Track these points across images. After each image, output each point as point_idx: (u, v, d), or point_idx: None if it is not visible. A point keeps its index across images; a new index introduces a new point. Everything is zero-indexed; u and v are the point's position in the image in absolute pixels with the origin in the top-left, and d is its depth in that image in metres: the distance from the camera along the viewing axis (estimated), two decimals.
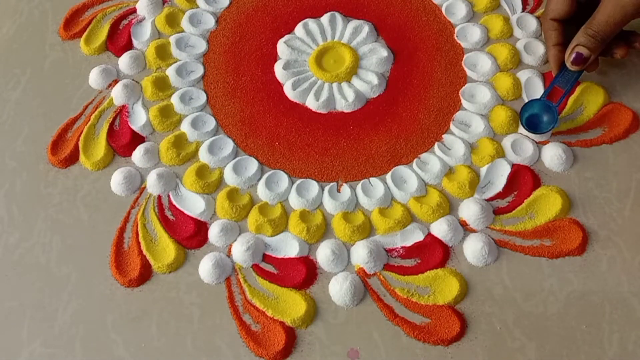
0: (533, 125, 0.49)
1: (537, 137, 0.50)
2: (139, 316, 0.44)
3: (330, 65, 0.55)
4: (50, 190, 0.50)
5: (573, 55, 0.47)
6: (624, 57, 0.49)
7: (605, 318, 0.43)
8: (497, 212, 0.47)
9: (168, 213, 0.48)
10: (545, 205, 0.47)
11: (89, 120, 0.53)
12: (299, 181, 0.49)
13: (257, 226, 0.47)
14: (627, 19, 0.45)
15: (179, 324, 0.44)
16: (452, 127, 0.51)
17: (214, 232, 0.47)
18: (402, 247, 0.46)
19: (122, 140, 0.51)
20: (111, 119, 0.53)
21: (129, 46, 0.57)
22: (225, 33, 0.58)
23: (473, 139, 0.50)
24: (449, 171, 0.49)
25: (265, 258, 0.46)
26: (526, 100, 0.51)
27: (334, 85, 0.54)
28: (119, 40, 0.57)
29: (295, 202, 0.48)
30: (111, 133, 0.52)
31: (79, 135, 0.52)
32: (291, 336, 0.43)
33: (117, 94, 0.53)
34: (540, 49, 0.54)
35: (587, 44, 0.46)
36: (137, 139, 0.52)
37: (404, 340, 0.42)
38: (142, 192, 0.49)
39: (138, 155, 0.50)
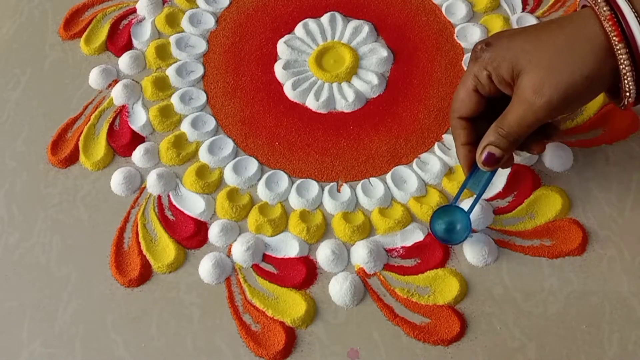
0: (446, 234, 0.45)
1: (453, 246, 0.46)
2: (139, 316, 0.44)
3: (330, 65, 0.55)
4: (50, 190, 0.50)
5: (484, 155, 0.42)
6: (541, 153, 0.45)
7: (605, 318, 0.43)
8: (497, 212, 0.47)
9: (168, 213, 0.48)
10: (545, 205, 0.47)
11: (89, 120, 0.53)
12: (299, 181, 0.49)
13: (257, 226, 0.47)
14: (540, 123, 0.40)
15: (179, 324, 0.44)
16: None
17: (214, 232, 0.47)
18: (402, 247, 0.46)
19: (122, 140, 0.51)
20: (111, 119, 0.53)
21: (129, 46, 0.57)
22: (225, 33, 0.58)
23: None
24: (448, 171, 0.49)
25: (265, 258, 0.46)
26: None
27: (334, 85, 0.54)
28: (119, 40, 0.57)
29: (295, 202, 0.48)
30: (111, 133, 0.52)
31: (79, 135, 0.52)
32: (291, 336, 0.43)
33: (117, 94, 0.53)
34: None
35: (499, 144, 0.41)
36: (137, 139, 0.52)
37: (404, 340, 0.42)
38: (142, 192, 0.49)
39: (138, 155, 0.50)
